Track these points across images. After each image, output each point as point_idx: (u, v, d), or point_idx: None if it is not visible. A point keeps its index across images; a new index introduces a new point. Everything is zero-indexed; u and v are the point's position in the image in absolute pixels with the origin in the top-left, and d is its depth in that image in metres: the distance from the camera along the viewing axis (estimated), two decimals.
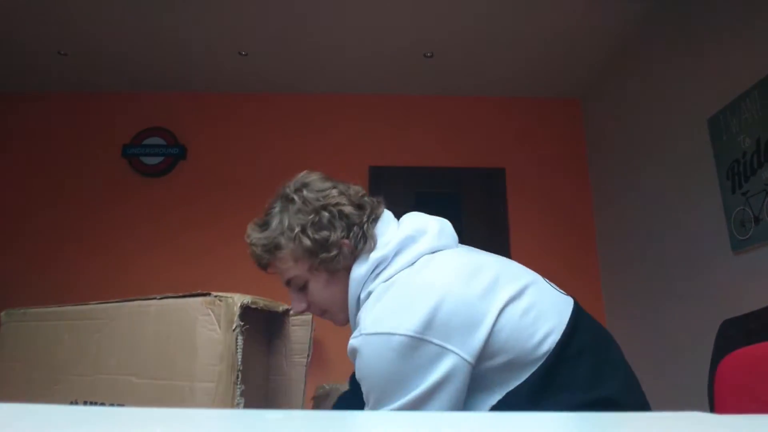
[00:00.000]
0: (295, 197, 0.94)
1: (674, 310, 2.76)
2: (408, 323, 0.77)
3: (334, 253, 0.91)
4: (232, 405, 0.92)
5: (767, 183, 2.13)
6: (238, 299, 0.95)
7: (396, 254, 0.90)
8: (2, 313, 1.22)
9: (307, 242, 0.91)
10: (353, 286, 0.91)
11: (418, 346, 0.76)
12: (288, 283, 0.97)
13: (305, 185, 0.96)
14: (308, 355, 1.20)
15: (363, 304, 0.89)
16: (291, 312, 1.07)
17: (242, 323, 0.94)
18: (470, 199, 3.82)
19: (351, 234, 0.92)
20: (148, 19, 3.13)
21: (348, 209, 0.93)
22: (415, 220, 0.98)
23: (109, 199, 3.73)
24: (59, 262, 3.58)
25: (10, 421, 0.33)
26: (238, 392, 0.93)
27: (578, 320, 0.85)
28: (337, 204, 0.93)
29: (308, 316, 1.16)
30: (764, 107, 2.15)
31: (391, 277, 0.87)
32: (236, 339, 0.94)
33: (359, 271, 0.91)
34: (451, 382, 0.76)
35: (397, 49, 3.44)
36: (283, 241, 0.93)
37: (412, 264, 0.88)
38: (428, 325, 0.77)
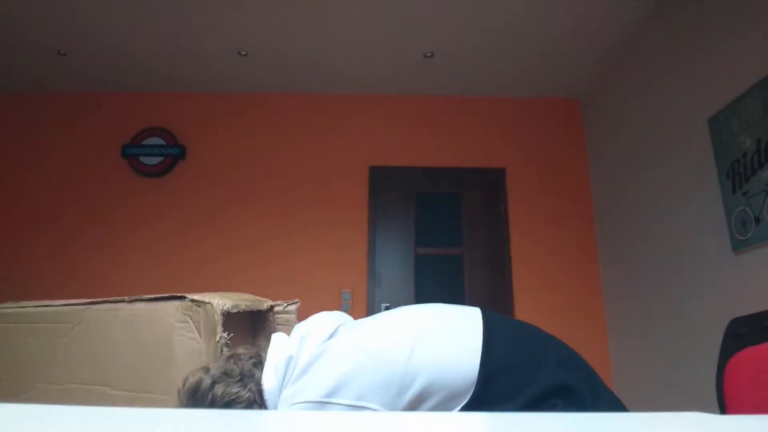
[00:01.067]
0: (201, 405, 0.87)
1: (674, 310, 2.76)
2: (317, 389, 0.77)
3: (248, 394, 0.85)
4: None
5: (767, 183, 2.12)
6: (219, 306, 0.87)
7: (299, 350, 0.88)
8: None
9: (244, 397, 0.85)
10: (271, 396, 0.85)
11: (325, 408, 0.76)
12: None
13: (191, 403, 0.88)
14: None
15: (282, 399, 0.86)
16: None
17: (225, 334, 0.87)
18: (470, 199, 3.82)
19: (252, 377, 0.87)
20: (148, 19, 3.13)
21: (242, 395, 0.85)
22: (302, 324, 0.95)
23: (108, 199, 3.73)
24: (58, 262, 3.58)
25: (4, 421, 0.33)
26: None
27: (492, 329, 0.86)
28: (229, 401, 0.85)
29: (293, 314, 1.11)
30: (764, 107, 2.14)
31: (305, 363, 0.84)
32: (221, 350, 0.86)
33: (272, 380, 0.85)
34: None
35: (397, 49, 3.44)
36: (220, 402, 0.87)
37: (318, 350, 0.86)
38: (337, 387, 0.77)
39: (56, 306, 1.01)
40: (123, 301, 0.93)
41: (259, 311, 1.04)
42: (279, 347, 0.90)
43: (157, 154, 3.79)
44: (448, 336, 0.86)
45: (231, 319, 0.90)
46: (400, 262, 3.66)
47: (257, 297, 1.04)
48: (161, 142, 3.83)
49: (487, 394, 0.80)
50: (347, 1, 2.99)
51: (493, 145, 3.89)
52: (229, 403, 0.85)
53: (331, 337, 0.89)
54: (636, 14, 3.06)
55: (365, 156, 3.83)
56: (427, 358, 0.81)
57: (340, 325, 0.92)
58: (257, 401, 0.86)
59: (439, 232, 3.78)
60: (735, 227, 2.30)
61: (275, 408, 0.86)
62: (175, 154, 3.81)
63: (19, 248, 3.63)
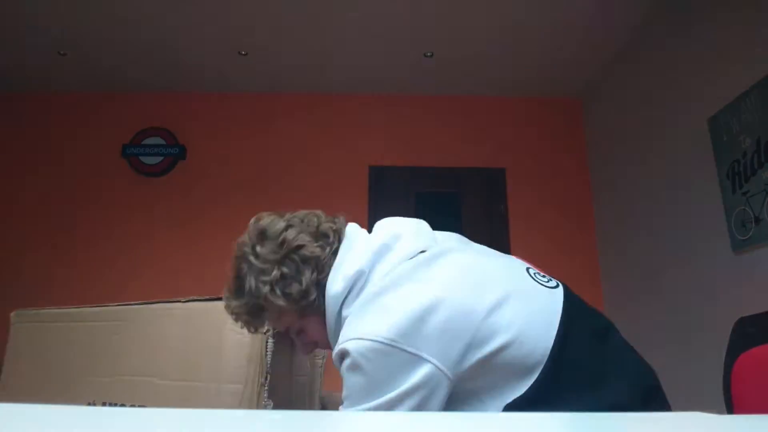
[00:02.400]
0: (252, 258, 0.89)
1: (674, 310, 2.76)
2: (381, 329, 0.75)
3: (312, 297, 0.87)
4: (259, 406, 0.91)
5: (767, 183, 2.13)
6: None
7: (372, 267, 0.86)
8: (13, 314, 1.21)
9: (280, 301, 0.86)
10: (332, 305, 0.86)
11: (390, 353, 0.74)
12: (287, 330, 0.95)
13: (260, 239, 0.91)
14: (324, 357, 1.19)
15: (345, 320, 0.85)
16: (307, 352, 1.03)
17: (272, 327, 0.93)
18: (470, 199, 3.82)
19: (323, 270, 0.87)
20: (148, 19, 3.13)
21: (311, 248, 0.88)
22: (387, 226, 0.93)
23: (108, 199, 3.73)
24: (58, 262, 3.58)
25: (26, 421, 0.33)
26: (265, 394, 0.92)
27: (571, 316, 0.81)
28: (297, 247, 0.87)
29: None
30: (764, 107, 2.15)
31: (372, 291, 0.83)
32: (266, 342, 0.93)
33: (338, 287, 0.85)
34: (423, 391, 0.74)
35: (397, 49, 3.44)
36: (262, 302, 0.88)
37: (392, 272, 0.83)
38: (404, 333, 0.74)
39: (111, 306, 1.10)
40: (179, 301, 1.01)
41: None
42: (353, 255, 0.88)
43: (157, 154, 3.79)
44: (529, 301, 0.82)
45: None
46: None
47: None
48: (161, 142, 3.83)
49: (549, 388, 0.75)
50: (347, 2, 2.99)
51: (493, 145, 3.88)
52: (294, 253, 0.86)
53: (410, 259, 0.85)
54: (636, 14, 3.06)
55: (365, 156, 3.83)
56: (507, 321, 0.77)
57: (423, 250, 0.86)
58: (317, 285, 0.86)
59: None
60: (735, 227, 2.30)
61: (332, 316, 0.86)
62: (175, 154, 3.81)
63: (18, 248, 3.63)
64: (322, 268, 0.87)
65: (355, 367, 0.76)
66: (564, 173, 3.85)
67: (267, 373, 0.93)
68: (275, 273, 0.86)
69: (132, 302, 1.09)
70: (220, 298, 0.95)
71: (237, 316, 0.90)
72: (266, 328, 0.94)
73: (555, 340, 0.77)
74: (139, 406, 0.98)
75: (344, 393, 0.80)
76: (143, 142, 3.82)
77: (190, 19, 3.14)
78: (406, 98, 3.97)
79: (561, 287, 0.88)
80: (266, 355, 0.94)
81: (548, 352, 0.76)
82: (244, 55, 3.50)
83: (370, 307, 0.80)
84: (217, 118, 3.92)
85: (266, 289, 0.86)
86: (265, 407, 0.92)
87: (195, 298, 1.01)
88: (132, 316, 1.07)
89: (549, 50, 3.41)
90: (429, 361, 0.74)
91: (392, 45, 3.39)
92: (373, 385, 0.75)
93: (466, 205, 3.81)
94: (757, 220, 2.16)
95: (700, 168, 2.57)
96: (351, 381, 0.77)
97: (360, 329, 0.77)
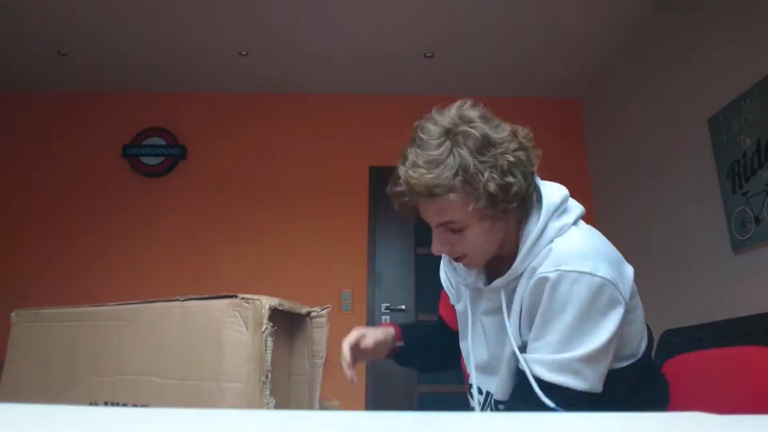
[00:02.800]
0: (471, 131, 0.81)
1: (674, 310, 2.76)
2: (606, 268, 0.80)
3: (514, 204, 0.82)
4: (262, 404, 0.93)
5: (767, 183, 2.13)
6: (266, 301, 0.97)
7: (568, 207, 0.91)
8: (13, 314, 1.22)
9: (492, 187, 0.79)
10: (546, 212, 0.86)
11: (613, 294, 0.79)
12: (439, 224, 0.88)
13: (482, 118, 0.85)
14: (323, 357, 1.20)
15: (539, 242, 0.86)
16: (433, 251, 0.98)
17: (271, 324, 0.96)
18: None
19: (529, 183, 0.84)
20: (148, 19, 3.13)
21: (524, 155, 0.84)
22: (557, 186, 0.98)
23: (109, 200, 3.73)
24: (58, 262, 3.58)
25: (28, 421, 0.33)
26: (267, 392, 0.94)
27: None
28: (517, 149, 0.83)
29: (324, 318, 1.17)
30: (764, 107, 2.15)
31: (573, 223, 0.88)
32: (265, 340, 0.96)
33: (557, 198, 0.89)
34: (616, 331, 0.80)
35: (397, 49, 3.44)
36: (458, 183, 0.80)
37: (580, 219, 0.91)
38: (618, 275, 0.82)
39: (112, 305, 1.12)
40: (177, 299, 1.04)
41: (297, 314, 1.15)
42: (555, 188, 0.92)
43: (157, 154, 3.79)
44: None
45: (273, 321, 0.99)
46: (400, 262, 3.66)
47: (296, 302, 1.14)
48: (161, 142, 3.83)
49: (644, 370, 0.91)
50: (347, 2, 2.99)
51: None
52: (527, 150, 0.86)
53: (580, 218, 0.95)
54: (636, 14, 3.06)
55: (365, 156, 3.83)
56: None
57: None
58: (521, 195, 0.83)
59: None
60: (735, 227, 2.30)
61: (542, 224, 0.85)
62: (175, 154, 3.81)
63: (18, 248, 3.63)
64: (529, 180, 0.85)
65: (573, 298, 0.77)
66: (564, 173, 3.81)
67: (268, 371, 0.95)
68: (492, 159, 0.80)
69: (133, 301, 1.10)
70: (218, 297, 0.97)
71: (414, 187, 0.83)
72: (264, 327, 0.95)
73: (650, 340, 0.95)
74: (141, 405, 0.99)
75: (549, 326, 0.79)
76: (143, 143, 3.82)
77: (191, 19, 3.14)
78: (406, 98, 3.97)
79: None
80: (266, 353, 0.96)
81: (649, 340, 0.94)
82: (244, 55, 3.50)
83: (582, 239, 0.85)
84: (217, 118, 3.92)
85: (485, 172, 0.80)
86: (267, 405, 0.94)
87: (193, 297, 1.02)
88: (132, 316, 1.08)
89: (549, 50, 3.41)
90: (625, 302, 0.82)
91: (392, 45, 3.39)
92: (589, 323, 0.78)
93: None
94: (757, 220, 2.16)
95: (700, 168, 2.57)
96: (566, 315, 0.78)
97: (584, 263, 0.79)
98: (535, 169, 0.88)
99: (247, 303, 0.96)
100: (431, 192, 0.81)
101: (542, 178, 0.99)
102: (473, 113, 0.87)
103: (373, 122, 3.93)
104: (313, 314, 1.14)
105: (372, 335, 1.07)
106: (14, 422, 0.33)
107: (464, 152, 0.80)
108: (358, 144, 3.86)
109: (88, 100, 3.94)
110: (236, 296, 0.96)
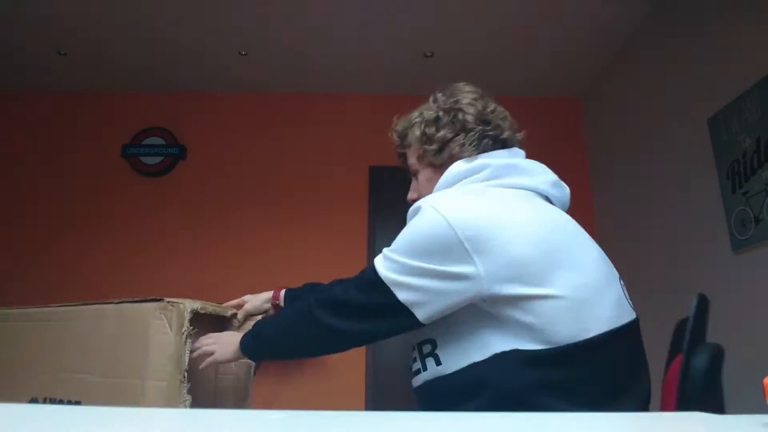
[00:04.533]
0: (431, 99, 1.09)
1: (674, 310, 2.76)
2: (458, 216, 0.82)
3: (434, 147, 1.02)
4: (179, 402, 0.98)
5: (767, 183, 2.13)
6: (189, 305, 1.05)
7: (501, 173, 0.95)
8: None
9: (417, 133, 1.05)
10: (448, 176, 0.98)
11: (449, 236, 0.80)
12: (409, 170, 1.12)
13: (448, 91, 1.08)
14: (255, 365, 1.29)
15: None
16: (408, 199, 1.14)
17: (191, 327, 1.03)
18: None
19: (458, 138, 1.01)
20: (148, 19, 3.13)
21: (468, 117, 1.02)
22: (534, 164, 1.03)
23: (108, 199, 3.73)
24: (59, 262, 3.58)
25: None
26: (184, 390, 0.99)
27: (627, 332, 0.85)
28: (459, 110, 1.03)
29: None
30: (764, 107, 2.15)
31: (484, 185, 0.93)
32: (185, 342, 1.02)
33: (460, 167, 0.98)
34: (455, 283, 0.80)
35: (397, 49, 3.44)
36: (409, 131, 1.08)
37: (512, 188, 0.93)
38: (474, 232, 0.80)
39: (55, 307, 1.18)
40: (112, 302, 1.10)
41: (225, 317, 1.24)
42: (495, 154, 1.00)
43: (157, 154, 3.79)
44: (607, 287, 0.87)
45: (200, 321, 1.08)
46: None
47: (224, 306, 1.24)
48: (161, 142, 3.83)
49: (570, 361, 0.77)
50: (348, 2, 2.99)
51: None
52: (455, 111, 1.03)
53: (529, 189, 0.95)
54: (636, 14, 3.06)
55: (365, 156, 3.82)
56: (567, 285, 0.81)
57: (545, 195, 0.98)
58: (450, 150, 1.01)
59: None
60: (735, 227, 2.30)
61: (447, 180, 0.98)
62: (175, 154, 3.81)
63: (18, 248, 3.63)
64: (462, 139, 1.01)
65: (415, 224, 0.86)
66: (564, 173, 3.80)
67: (185, 370, 1.00)
68: (432, 114, 1.05)
69: (72, 303, 1.16)
70: (147, 300, 1.05)
71: (392, 134, 1.17)
72: (184, 328, 1.03)
73: (602, 333, 0.79)
74: (75, 402, 1.05)
75: (396, 241, 0.88)
76: (143, 142, 3.82)
77: (190, 19, 3.14)
78: (406, 98, 3.95)
79: (636, 315, 0.93)
80: (185, 352, 1.02)
81: (585, 336, 0.78)
82: (244, 55, 3.50)
83: (468, 195, 0.90)
84: (217, 118, 3.92)
85: (417, 120, 1.07)
86: (183, 403, 0.98)
87: (126, 299, 1.09)
88: (72, 316, 1.15)
89: (549, 50, 3.41)
90: (475, 266, 0.79)
91: (392, 45, 3.39)
92: (416, 247, 0.84)
93: None
94: (757, 220, 2.16)
95: (700, 168, 2.56)
96: (405, 233, 0.87)
97: (447, 204, 0.85)
98: (483, 133, 1.02)
99: (172, 306, 1.02)
100: (398, 135, 1.14)
101: None
102: (456, 87, 1.10)
103: (373, 122, 3.91)
104: (240, 316, 1.24)
105: (251, 301, 1.28)
106: None
107: (422, 110, 1.09)
108: (358, 144, 3.86)
109: (88, 100, 3.94)
110: (163, 299, 1.03)
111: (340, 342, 0.93)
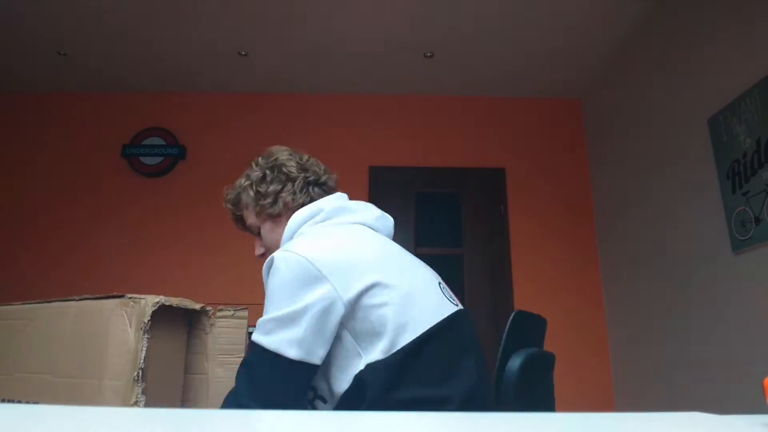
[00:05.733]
0: (253, 163, 1.22)
1: (674, 310, 2.76)
2: (314, 253, 0.93)
3: (269, 201, 1.16)
4: (131, 402, 0.94)
5: (767, 183, 2.13)
6: (151, 300, 1.01)
7: (333, 214, 1.10)
8: None
9: (251, 193, 1.17)
10: (293, 223, 1.10)
11: (311, 271, 0.91)
12: (252, 231, 1.23)
13: (265, 154, 1.22)
14: (236, 355, 1.21)
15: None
16: (256, 255, 1.25)
17: (147, 321, 0.99)
18: (470, 199, 3.82)
19: (287, 188, 1.16)
20: (148, 19, 3.13)
21: (290, 169, 1.18)
22: (359, 203, 1.17)
23: (108, 199, 3.73)
24: (58, 262, 3.58)
25: None
26: (138, 390, 0.95)
27: (448, 326, 0.97)
28: (281, 164, 1.18)
29: (243, 320, 1.22)
30: (764, 107, 2.15)
31: (321, 227, 1.07)
32: (143, 338, 0.98)
33: (300, 215, 1.10)
34: (322, 307, 0.89)
35: (397, 49, 3.44)
36: (242, 195, 1.19)
37: (345, 225, 1.08)
38: (329, 262, 0.92)
39: (17, 305, 1.16)
40: (74, 299, 1.06)
41: (199, 314, 1.19)
42: (324, 200, 1.15)
43: (157, 154, 3.79)
44: (424, 292, 1.00)
45: (166, 317, 1.03)
46: None
47: (194, 300, 1.19)
48: (161, 142, 3.83)
49: (408, 364, 0.90)
50: (347, 1, 2.99)
51: (493, 145, 3.89)
52: (278, 167, 1.18)
53: (357, 223, 1.10)
54: (636, 14, 3.06)
55: (365, 156, 3.83)
56: (397, 290, 0.94)
57: (372, 227, 1.11)
58: (283, 201, 1.16)
59: (439, 232, 3.78)
60: (735, 227, 2.30)
61: (289, 231, 1.09)
62: (175, 154, 3.81)
63: (17, 248, 3.63)
64: (290, 188, 1.16)
65: (274, 274, 0.93)
66: (564, 173, 3.85)
67: (139, 368, 0.95)
68: (258, 174, 1.19)
69: (33, 301, 1.13)
70: (108, 297, 1.02)
71: (225, 204, 1.24)
72: (141, 324, 0.99)
73: (426, 331, 0.93)
74: (33, 402, 1.01)
75: (265, 303, 0.94)
76: (143, 143, 3.82)
77: (190, 20, 3.14)
78: (406, 98, 3.98)
79: (459, 308, 1.05)
80: (141, 350, 0.97)
81: (415, 335, 0.92)
82: (244, 55, 3.50)
83: (314, 236, 1.03)
84: (217, 118, 3.92)
85: (247, 183, 1.19)
86: (136, 403, 0.93)
87: (87, 296, 1.05)
88: (34, 315, 1.11)
89: (549, 50, 3.41)
90: (330, 283, 0.90)
91: (392, 45, 3.39)
92: (282, 295, 0.91)
93: (466, 205, 3.81)
94: (757, 220, 2.16)
95: (700, 168, 2.57)
96: (269, 289, 0.93)
97: (296, 247, 0.95)
98: (307, 180, 1.18)
99: (134, 302, 0.98)
100: (231, 203, 1.24)
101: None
102: (272, 149, 1.24)
103: (373, 122, 3.93)
104: (219, 314, 1.19)
105: None
106: None
107: (247, 175, 1.22)
108: (358, 144, 3.86)
109: (87, 100, 3.94)
110: (124, 296, 1.00)
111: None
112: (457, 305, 1.05)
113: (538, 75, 3.70)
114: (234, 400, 0.93)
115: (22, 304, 1.14)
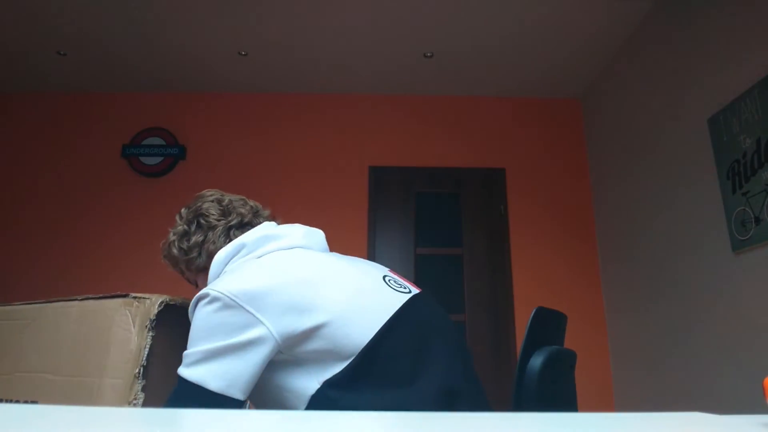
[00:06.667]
0: (178, 216, 1.21)
1: (674, 310, 2.76)
2: (232, 287, 0.89)
3: (194, 254, 1.13)
4: (129, 399, 0.94)
5: (767, 183, 2.13)
6: (156, 299, 1.01)
7: (257, 246, 1.05)
8: None
9: (175, 250, 1.17)
10: (215, 266, 1.06)
11: (232, 306, 0.87)
12: (192, 284, 1.20)
13: (191, 203, 1.19)
14: None
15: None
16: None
17: (153, 319, 1.00)
18: (470, 199, 3.82)
19: (208, 237, 1.12)
20: (148, 19, 3.13)
21: (210, 219, 1.14)
22: (284, 227, 1.13)
23: (108, 199, 3.73)
24: (58, 261, 3.58)
25: None
26: (138, 387, 0.95)
27: (401, 318, 0.94)
28: (201, 215, 1.15)
29: None
30: (764, 107, 2.15)
31: (243, 262, 1.02)
32: (147, 335, 0.99)
33: (220, 255, 1.06)
34: (253, 347, 0.87)
35: (397, 49, 3.44)
36: (172, 250, 1.18)
37: (269, 253, 1.03)
38: (250, 295, 0.88)
39: (17, 305, 1.15)
40: (76, 299, 1.06)
41: None
42: (245, 236, 1.08)
43: (157, 154, 3.79)
44: (364, 295, 0.95)
45: (169, 316, 1.04)
46: (400, 262, 3.66)
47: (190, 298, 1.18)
48: (161, 142, 3.83)
49: (365, 372, 0.87)
50: (347, 1, 2.99)
51: (493, 145, 3.89)
52: (198, 217, 1.15)
53: (284, 249, 1.04)
54: (636, 14, 3.06)
55: (365, 156, 3.83)
56: (332, 303, 0.90)
57: (300, 247, 1.06)
58: (205, 249, 1.12)
59: (439, 232, 3.78)
60: (735, 227, 2.30)
61: (213, 275, 1.04)
62: (175, 154, 3.81)
63: (17, 247, 3.63)
64: (212, 236, 1.12)
65: (198, 311, 0.90)
66: (564, 173, 3.85)
67: (141, 365, 0.96)
68: (181, 228, 1.17)
69: (35, 301, 1.13)
70: (112, 296, 1.02)
71: (164, 260, 1.23)
72: (146, 323, 1.00)
73: (376, 333, 0.89)
74: (32, 402, 1.01)
75: (189, 339, 0.92)
76: (143, 143, 3.82)
77: (190, 19, 3.14)
78: (406, 98, 3.97)
79: (413, 293, 1.01)
80: (144, 348, 0.97)
81: (366, 341, 0.88)
82: (244, 55, 3.50)
83: (235, 272, 0.96)
84: (217, 118, 3.92)
85: (173, 238, 1.18)
86: (134, 401, 0.94)
87: (90, 296, 1.05)
88: (36, 315, 1.11)
89: (549, 50, 3.41)
90: (263, 325, 0.87)
91: (392, 45, 3.39)
92: (206, 331, 0.88)
93: (466, 205, 3.81)
94: (757, 220, 2.16)
95: (700, 168, 2.57)
96: (193, 325, 0.91)
97: (216, 284, 0.91)
98: (230, 223, 1.14)
99: (138, 302, 0.99)
100: (168, 261, 1.23)
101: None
102: (196, 197, 1.21)
103: (373, 122, 3.93)
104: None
105: None
106: None
107: (174, 230, 1.21)
108: (358, 144, 3.86)
109: (87, 100, 3.94)
110: (128, 295, 1.00)
111: None
112: (409, 292, 1.01)
113: (538, 75, 3.70)
114: None
115: (23, 303, 1.14)
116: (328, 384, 0.87)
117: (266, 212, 1.23)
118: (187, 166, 3.81)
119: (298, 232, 1.11)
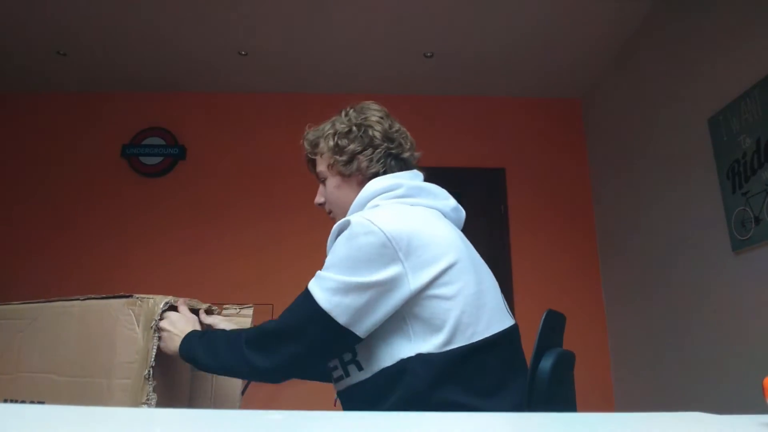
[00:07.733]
0: (343, 113, 1.17)
1: (674, 310, 2.76)
2: (392, 228, 0.90)
3: (344, 158, 1.10)
4: (142, 400, 0.94)
5: (767, 183, 2.13)
6: (160, 300, 1.01)
7: (412, 193, 1.05)
8: None
9: (330, 143, 1.12)
10: (367, 192, 1.06)
11: (386, 246, 0.88)
12: (318, 177, 1.19)
13: (358, 108, 1.17)
14: None
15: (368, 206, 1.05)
16: (315, 203, 1.24)
17: (156, 319, 0.99)
18: (470, 199, 3.82)
19: (366, 152, 1.10)
20: (148, 19, 3.13)
21: (376, 134, 1.11)
22: (440, 189, 1.14)
23: (108, 199, 3.73)
24: (58, 261, 3.58)
25: None
26: (149, 388, 0.96)
27: (506, 337, 0.95)
28: (369, 126, 1.12)
29: (248, 318, 1.22)
30: (764, 107, 2.15)
31: (401, 202, 1.02)
32: (153, 336, 0.99)
33: (377, 184, 1.06)
34: (388, 289, 0.88)
35: (397, 49, 3.44)
36: (321, 141, 1.15)
37: (422, 206, 1.04)
38: (406, 241, 0.89)
39: (16, 304, 1.14)
40: (77, 299, 1.05)
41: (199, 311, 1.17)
42: (405, 174, 1.11)
43: (157, 154, 3.79)
44: (491, 293, 0.98)
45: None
46: None
47: (199, 301, 1.18)
48: (161, 142, 3.83)
49: (456, 367, 0.88)
50: (347, 1, 2.99)
51: (493, 145, 3.88)
52: (364, 126, 1.12)
53: (434, 208, 1.06)
54: (636, 14, 3.06)
55: None
56: (460, 288, 0.92)
57: (442, 213, 1.08)
58: (359, 164, 1.10)
59: None
60: (735, 227, 2.30)
61: (363, 198, 1.06)
62: (175, 154, 3.81)
63: (17, 247, 3.63)
64: (370, 153, 1.10)
65: (349, 239, 0.91)
66: (564, 173, 3.85)
67: (150, 366, 0.96)
68: (343, 127, 1.12)
69: (35, 300, 1.12)
70: (114, 297, 1.02)
71: (304, 142, 1.20)
72: (152, 323, 0.99)
73: (486, 338, 0.90)
74: (38, 402, 1.00)
75: (328, 260, 0.95)
76: (143, 143, 3.82)
77: (190, 19, 3.14)
78: (406, 98, 3.97)
79: (514, 322, 1.02)
80: (151, 348, 0.98)
81: (475, 339, 0.89)
82: (244, 55, 3.50)
83: (393, 211, 0.98)
84: (217, 118, 3.92)
85: (330, 132, 1.13)
86: (147, 402, 0.94)
87: (92, 296, 1.05)
88: (36, 314, 1.10)
89: (549, 50, 3.41)
90: (402, 265, 0.88)
91: (392, 45, 3.39)
92: (353, 261, 0.89)
93: (466, 205, 3.77)
94: (757, 220, 2.16)
95: (700, 168, 2.57)
96: (339, 250, 0.93)
97: (380, 217, 0.92)
98: (388, 150, 1.12)
99: (141, 302, 0.99)
100: (310, 144, 1.19)
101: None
102: (365, 104, 1.19)
103: None
104: (224, 312, 1.19)
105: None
106: None
107: (333, 123, 1.16)
108: None
109: (87, 100, 3.94)
110: (131, 296, 1.00)
111: (264, 379, 0.96)
112: (513, 319, 1.02)
113: (538, 75, 3.70)
114: (235, 342, 0.94)
115: (24, 303, 1.13)
116: (421, 358, 0.88)
117: (419, 154, 1.24)
118: (187, 166, 3.81)
119: (449, 202, 1.14)
